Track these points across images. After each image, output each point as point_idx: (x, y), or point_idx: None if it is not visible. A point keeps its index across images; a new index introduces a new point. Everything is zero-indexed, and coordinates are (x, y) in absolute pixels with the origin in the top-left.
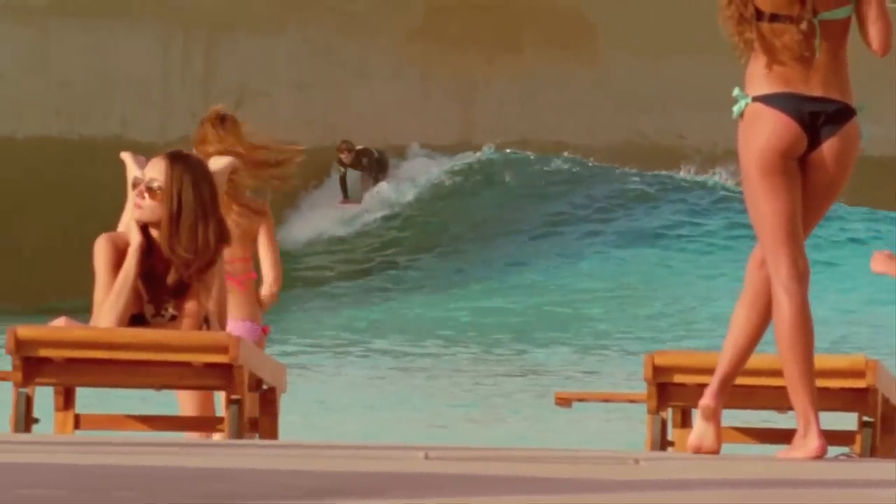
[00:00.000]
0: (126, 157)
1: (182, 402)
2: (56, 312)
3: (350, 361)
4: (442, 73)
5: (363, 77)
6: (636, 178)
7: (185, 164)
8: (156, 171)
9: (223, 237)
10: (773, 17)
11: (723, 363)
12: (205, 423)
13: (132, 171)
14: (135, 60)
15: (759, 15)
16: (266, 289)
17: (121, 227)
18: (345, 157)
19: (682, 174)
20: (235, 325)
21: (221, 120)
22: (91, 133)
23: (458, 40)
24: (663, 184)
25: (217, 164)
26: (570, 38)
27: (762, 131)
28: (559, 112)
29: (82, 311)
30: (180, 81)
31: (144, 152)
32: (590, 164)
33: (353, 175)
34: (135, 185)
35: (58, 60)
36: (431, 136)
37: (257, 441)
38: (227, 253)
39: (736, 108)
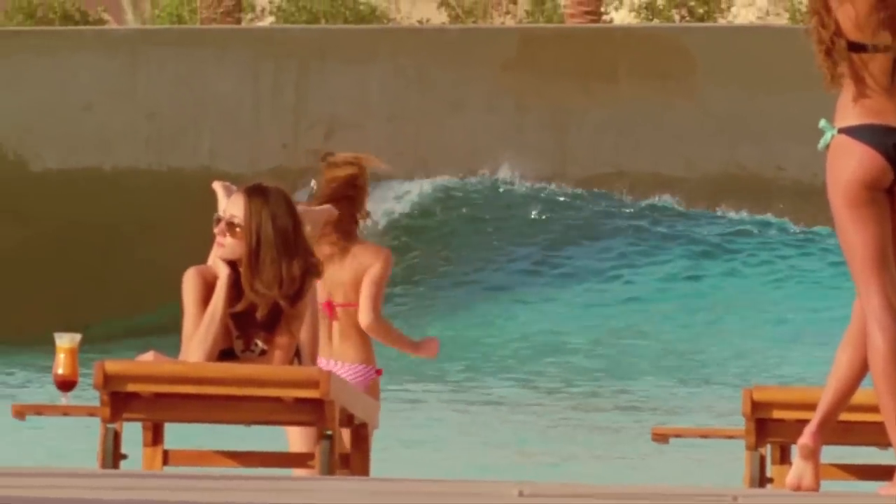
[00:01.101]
0: (217, 186)
1: (291, 438)
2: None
3: (429, 392)
4: (536, 104)
5: (456, 108)
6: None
7: (263, 198)
8: (235, 206)
9: (309, 269)
10: (862, 48)
11: (824, 402)
12: (295, 459)
13: (222, 202)
14: (224, 90)
15: (850, 45)
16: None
17: (210, 261)
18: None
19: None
20: (350, 368)
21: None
22: (180, 164)
23: (552, 70)
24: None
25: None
26: (668, 67)
27: (847, 164)
28: (655, 143)
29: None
30: (270, 112)
31: (234, 183)
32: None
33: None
34: (216, 222)
35: (146, 90)
36: (525, 167)
37: (348, 478)
38: (342, 296)
39: (822, 141)
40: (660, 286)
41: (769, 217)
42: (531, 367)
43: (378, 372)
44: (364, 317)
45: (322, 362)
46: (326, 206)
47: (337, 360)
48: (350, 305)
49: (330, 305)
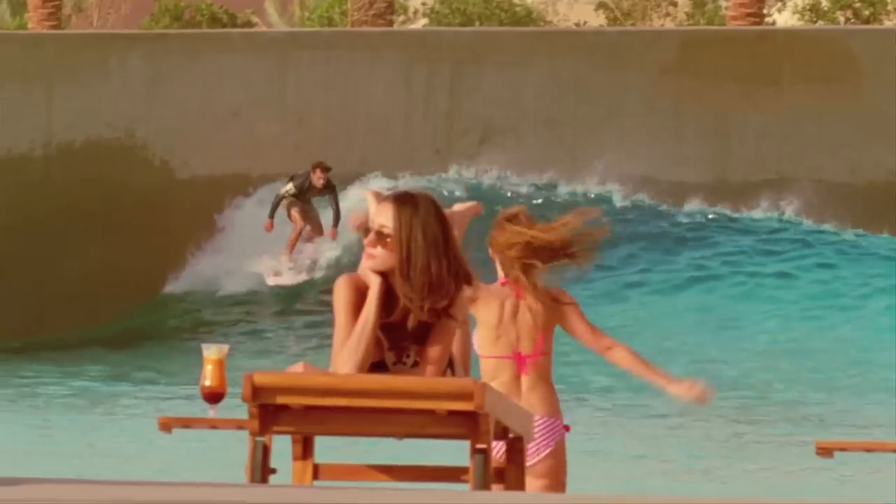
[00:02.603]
0: (369, 196)
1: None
2: None
3: (587, 402)
4: (696, 109)
5: (613, 113)
6: None
7: (412, 206)
8: (384, 216)
9: (459, 276)
10: None
11: None
12: (449, 473)
13: (370, 213)
14: (376, 95)
15: None
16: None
17: (359, 270)
18: (320, 180)
19: None
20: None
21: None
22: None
23: (713, 74)
24: None
25: (459, 206)
26: (832, 71)
27: None
28: (820, 149)
29: None
30: (423, 117)
31: (383, 190)
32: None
33: (321, 202)
34: (365, 234)
35: (295, 95)
36: (685, 174)
37: (504, 493)
38: (529, 346)
39: None
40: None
41: None
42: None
43: (566, 428)
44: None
45: None
46: (471, 204)
47: None
48: (538, 355)
49: (519, 357)
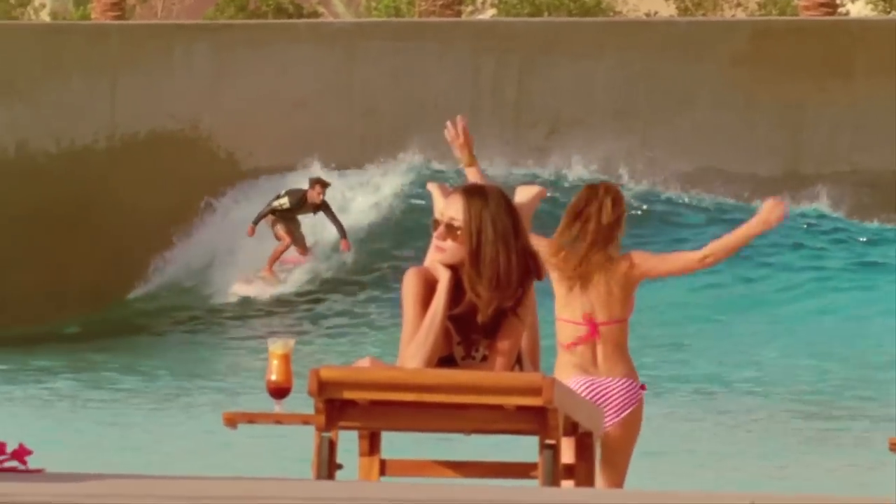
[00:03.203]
0: (433, 188)
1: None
2: None
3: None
4: (768, 100)
5: (684, 104)
6: None
7: (482, 199)
8: (453, 208)
9: (529, 270)
10: None
11: None
12: (518, 469)
13: (438, 203)
14: (443, 86)
15: None
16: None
17: (427, 262)
18: (319, 196)
19: None
20: (613, 382)
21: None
22: (394, 160)
23: (785, 65)
24: None
25: (524, 193)
26: None
27: None
28: (894, 141)
29: None
30: (491, 109)
31: (450, 182)
32: None
33: (313, 219)
34: (434, 226)
35: (362, 86)
36: (757, 166)
37: (574, 489)
38: (605, 314)
39: None
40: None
41: None
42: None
43: (643, 387)
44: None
45: (582, 379)
46: (536, 191)
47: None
48: (612, 323)
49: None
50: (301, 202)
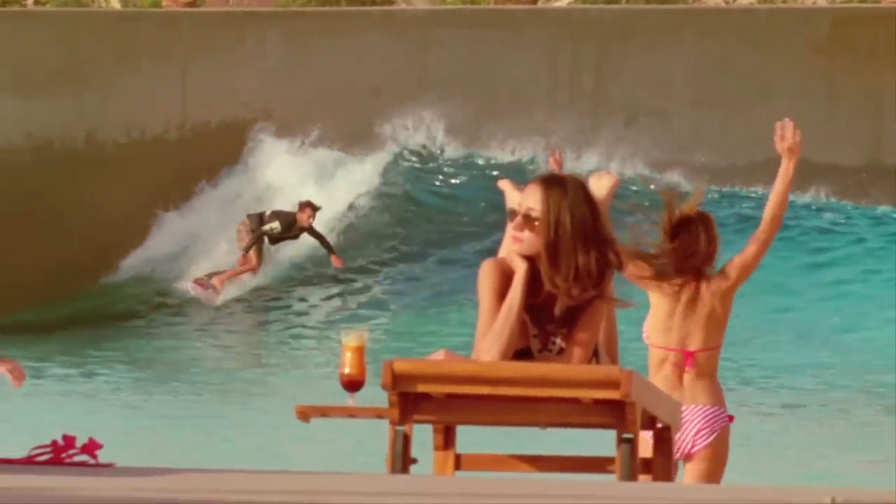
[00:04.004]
0: (504, 185)
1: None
2: None
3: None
4: (849, 89)
5: (764, 93)
6: None
7: (561, 189)
8: (531, 199)
9: (610, 261)
10: None
11: None
12: (595, 462)
13: (513, 196)
14: (519, 75)
15: None
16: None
17: (502, 253)
18: (310, 219)
19: None
20: (696, 410)
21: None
22: (469, 149)
23: (867, 53)
24: None
25: (599, 184)
26: None
27: None
28: None
29: None
30: (568, 98)
31: (526, 172)
32: None
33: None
34: (511, 216)
35: (436, 75)
36: (838, 156)
37: (651, 484)
38: (699, 342)
39: None
40: None
41: None
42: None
43: (730, 418)
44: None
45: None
46: (610, 183)
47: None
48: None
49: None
50: (290, 225)
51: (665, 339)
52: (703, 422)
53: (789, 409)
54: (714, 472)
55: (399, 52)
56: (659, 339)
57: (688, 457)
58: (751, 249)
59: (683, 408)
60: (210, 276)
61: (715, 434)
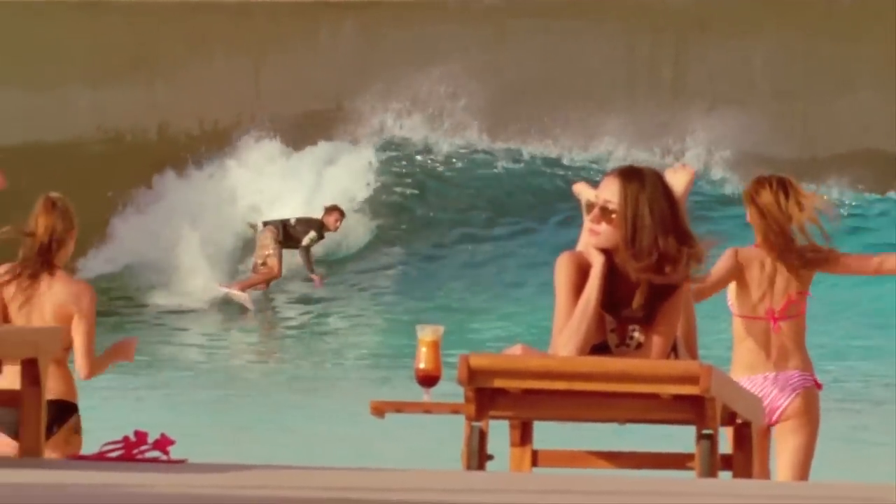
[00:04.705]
0: (581, 189)
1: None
2: None
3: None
4: None
5: (846, 85)
6: None
7: (639, 182)
8: (608, 191)
9: (689, 255)
10: None
11: None
12: (674, 459)
13: (587, 192)
14: (596, 66)
15: None
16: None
17: (580, 247)
18: (337, 223)
19: None
20: (784, 374)
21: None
22: (545, 142)
23: None
24: None
25: (676, 178)
26: None
27: None
28: None
29: None
30: (647, 88)
31: (606, 163)
32: None
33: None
34: (588, 209)
35: (512, 65)
36: None
37: (732, 481)
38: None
39: None
40: None
41: None
42: None
43: (817, 384)
44: None
45: (758, 379)
46: (687, 176)
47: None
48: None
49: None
50: (321, 231)
51: (749, 308)
52: (790, 382)
53: (861, 403)
54: (805, 427)
55: (474, 42)
56: (743, 308)
57: (776, 421)
58: (853, 261)
59: (771, 374)
60: (230, 285)
61: (799, 390)
